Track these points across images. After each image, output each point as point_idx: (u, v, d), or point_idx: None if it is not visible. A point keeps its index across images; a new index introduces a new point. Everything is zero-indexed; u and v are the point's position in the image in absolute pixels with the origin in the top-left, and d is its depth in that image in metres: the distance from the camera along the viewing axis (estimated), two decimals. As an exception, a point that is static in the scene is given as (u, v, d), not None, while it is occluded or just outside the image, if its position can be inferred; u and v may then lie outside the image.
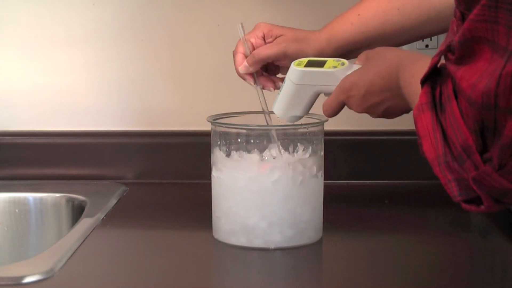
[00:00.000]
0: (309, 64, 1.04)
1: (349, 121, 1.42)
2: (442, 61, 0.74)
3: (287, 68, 1.16)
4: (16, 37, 1.45)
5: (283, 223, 1.05)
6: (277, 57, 1.13)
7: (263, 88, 1.15)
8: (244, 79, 1.15)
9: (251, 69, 1.14)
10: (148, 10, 1.44)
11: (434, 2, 1.11)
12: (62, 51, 1.45)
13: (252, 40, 1.14)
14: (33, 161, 1.44)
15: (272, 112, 1.10)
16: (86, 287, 0.95)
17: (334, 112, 1.03)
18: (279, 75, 1.18)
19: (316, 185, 1.08)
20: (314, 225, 1.08)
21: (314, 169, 1.07)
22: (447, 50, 0.72)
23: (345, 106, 1.03)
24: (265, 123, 1.11)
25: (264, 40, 1.15)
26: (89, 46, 1.45)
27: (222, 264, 1.06)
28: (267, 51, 1.13)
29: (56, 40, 1.45)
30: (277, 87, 1.15)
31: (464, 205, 0.72)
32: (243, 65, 1.14)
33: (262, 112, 1.12)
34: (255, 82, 1.14)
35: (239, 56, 1.14)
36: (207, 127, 1.10)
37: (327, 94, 1.04)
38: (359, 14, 1.14)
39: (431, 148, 0.73)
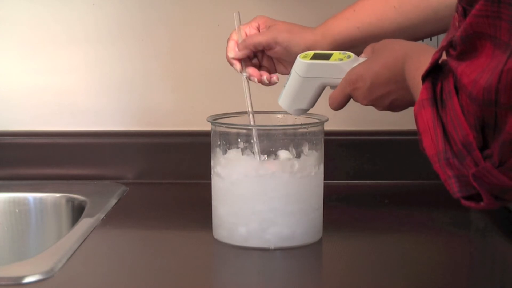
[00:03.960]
0: (315, 56, 1.05)
1: (349, 121, 1.42)
2: (444, 57, 0.74)
3: (280, 61, 1.16)
4: (16, 37, 1.45)
5: (283, 223, 1.05)
6: (267, 44, 1.14)
7: (248, 77, 1.16)
8: (232, 65, 1.17)
9: (240, 54, 1.15)
10: (148, 10, 1.44)
11: (432, 2, 1.11)
12: (62, 51, 1.45)
13: (247, 30, 1.17)
14: (33, 161, 1.44)
15: (256, 112, 1.12)
16: (86, 287, 0.95)
17: (340, 105, 1.03)
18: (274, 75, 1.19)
19: (316, 185, 1.08)
20: (314, 225, 1.07)
21: (314, 169, 1.07)
22: (449, 46, 0.72)
23: (351, 100, 1.03)
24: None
25: (259, 31, 1.17)
26: (89, 46, 1.45)
27: (222, 264, 1.06)
28: (258, 37, 1.15)
29: (56, 40, 1.45)
30: (261, 80, 1.16)
31: (463, 202, 0.72)
32: (234, 50, 1.15)
33: (246, 108, 1.12)
34: (241, 70, 1.15)
35: (231, 43, 1.16)
36: (207, 127, 1.11)
37: (333, 87, 1.04)
38: (354, 10, 1.14)
39: (431, 144, 0.73)
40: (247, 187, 1.05)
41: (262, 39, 1.14)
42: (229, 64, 1.18)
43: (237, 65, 1.16)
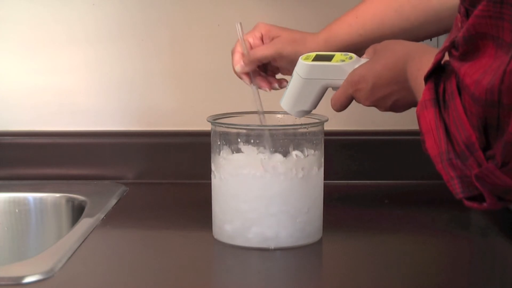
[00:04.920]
0: (317, 58, 1.05)
1: (349, 121, 1.42)
2: (446, 57, 0.74)
3: (285, 69, 1.16)
4: (16, 37, 1.45)
5: (283, 223, 1.05)
6: (272, 58, 1.15)
7: (258, 88, 1.16)
8: (241, 78, 1.16)
9: (246, 69, 1.15)
10: (148, 10, 1.44)
11: (433, 4, 1.10)
12: (62, 51, 1.45)
13: (250, 40, 1.16)
14: (33, 161, 1.44)
15: (267, 112, 1.12)
16: (86, 287, 0.95)
17: (342, 106, 1.03)
18: (278, 76, 1.19)
19: (316, 185, 1.08)
20: (314, 225, 1.07)
21: (314, 169, 1.07)
22: (451, 46, 0.72)
23: (353, 100, 1.02)
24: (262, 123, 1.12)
25: (262, 40, 1.16)
26: (89, 46, 1.45)
27: (222, 264, 1.06)
28: (262, 52, 1.14)
29: (56, 40, 1.45)
30: (273, 88, 1.17)
31: (466, 202, 0.72)
32: (240, 65, 1.15)
33: (257, 112, 1.12)
34: (251, 82, 1.15)
35: (237, 55, 1.15)
36: (207, 127, 1.11)
37: (334, 88, 1.04)
38: (357, 16, 1.14)
39: (434, 145, 0.73)
40: (247, 187, 1.05)
41: (267, 53, 1.14)
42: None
43: (246, 79, 1.16)
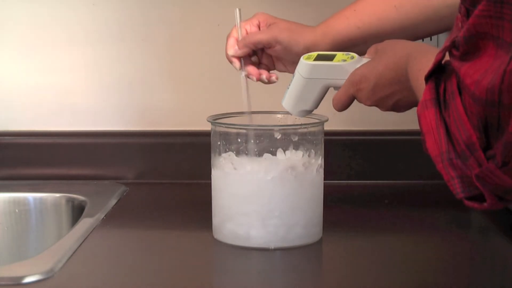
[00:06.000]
0: (319, 58, 1.05)
1: (349, 121, 1.42)
2: (447, 57, 0.74)
3: (280, 60, 1.16)
4: (16, 37, 1.45)
5: (283, 223, 1.05)
6: (268, 42, 1.14)
7: (247, 75, 1.15)
8: (231, 62, 1.16)
9: (239, 52, 1.15)
10: (148, 10, 1.44)
11: (433, 2, 1.11)
12: (62, 51, 1.45)
13: (247, 27, 1.16)
14: (33, 161, 1.44)
15: (267, 112, 1.13)
16: (86, 287, 0.95)
17: (343, 106, 1.03)
18: (273, 72, 1.19)
19: (316, 185, 1.08)
20: (314, 225, 1.07)
21: (314, 169, 1.07)
22: (452, 46, 0.72)
23: (355, 100, 1.02)
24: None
25: (259, 28, 1.16)
26: (89, 46, 1.45)
27: (222, 264, 1.06)
28: (258, 36, 1.14)
29: (56, 40, 1.45)
30: (260, 79, 1.16)
31: (467, 202, 0.72)
32: (234, 48, 1.15)
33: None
34: (240, 67, 1.15)
35: (231, 40, 1.16)
36: (207, 127, 1.11)
37: (336, 88, 1.04)
38: (355, 10, 1.14)
39: (435, 145, 0.73)
40: (247, 187, 1.05)
41: (262, 37, 1.14)
42: (229, 64, 1.18)
43: (236, 63, 1.16)
